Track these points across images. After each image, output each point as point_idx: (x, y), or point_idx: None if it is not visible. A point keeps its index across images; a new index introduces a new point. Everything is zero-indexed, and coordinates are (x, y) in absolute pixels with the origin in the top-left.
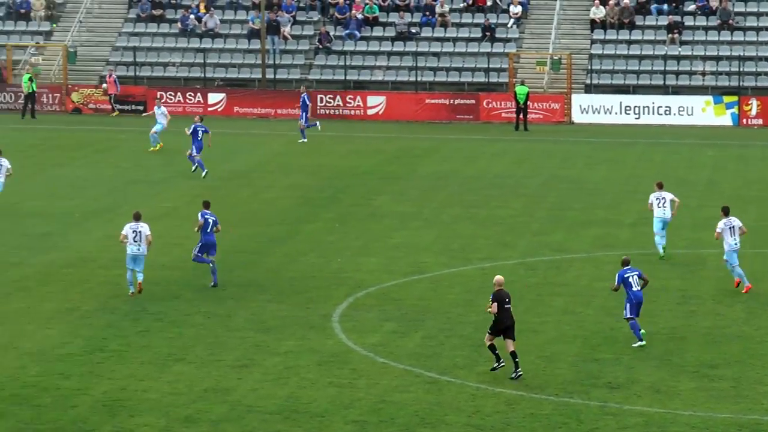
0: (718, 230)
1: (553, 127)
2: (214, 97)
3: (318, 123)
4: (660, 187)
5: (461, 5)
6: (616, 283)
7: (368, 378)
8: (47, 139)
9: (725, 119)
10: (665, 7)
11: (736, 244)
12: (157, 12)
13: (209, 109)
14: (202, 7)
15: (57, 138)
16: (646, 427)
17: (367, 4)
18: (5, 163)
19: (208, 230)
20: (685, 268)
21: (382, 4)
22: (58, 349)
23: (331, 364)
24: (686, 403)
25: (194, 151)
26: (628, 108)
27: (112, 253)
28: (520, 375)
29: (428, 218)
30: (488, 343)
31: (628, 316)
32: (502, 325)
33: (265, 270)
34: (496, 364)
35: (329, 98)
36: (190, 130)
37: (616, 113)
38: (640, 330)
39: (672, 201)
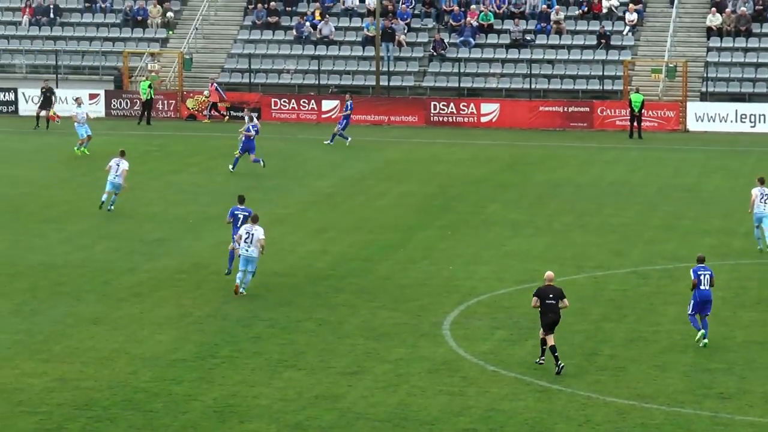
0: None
1: (667, 135)
2: (327, 104)
3: (350, 138)
4: (762, 182)
5: (577, 13)
6: (693, 278)
7: (479, 386)
8: (162, 145)
9: None
10: None
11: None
12: (272, 19)
13: (323, 116)
14: (317, 14)
15: (172, 144)
16: None
17: (482, 11)
18: (124, 164)
19: (238, 225)
20: None
21: (497, 11)
22: (170, 354)
23: (441, 372)
24: None
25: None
26: (743, 116)
27: (226, 259)
28: (562, 367)
29: (540, 226)
30: (541, 337)
31: (691, 312)
32: (545, 320)
33: (376, 277)
34: (539, 359)
35: (443, 105)
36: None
37: (731, 121)
38: (699, 327)
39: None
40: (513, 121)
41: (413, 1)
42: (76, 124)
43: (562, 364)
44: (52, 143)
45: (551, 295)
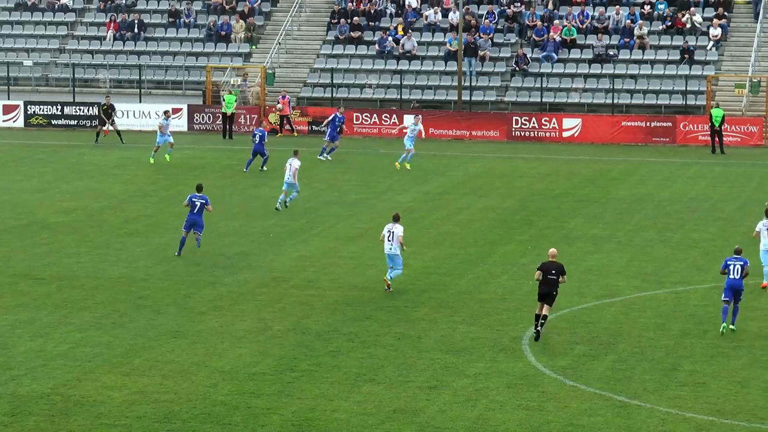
0: (756, 230)
1: (750, 150)
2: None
3: (329, 156)
4: None
5: (660, 28)
6: (722, 267)
7: (557, 401)
8: (245, 160)
9: None
10: None
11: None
12: (355, 34)
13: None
14: (400, 29)
15: (254, 160)
16: None
17: (565, 26)
18: (295, 164)
19: (195, 211)
20: None
21: (580, 26)
22: (249, 368)
23: (520, 387)
24: None
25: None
26: None
27: (307, 273)
28: (537, 334)
29: (622, 241)
30: (536, 312)
31: (724, 298)
32: (542, 291)
33: (456, 291)
34: (536, 333)
35: (525, 120)
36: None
37: None
38: (726, 316)
39: None
40: (595, 136)
41: (496, 16)
42: (158, 133)
43: (539, 330)
44: (134, 157)
45: (553, 271)
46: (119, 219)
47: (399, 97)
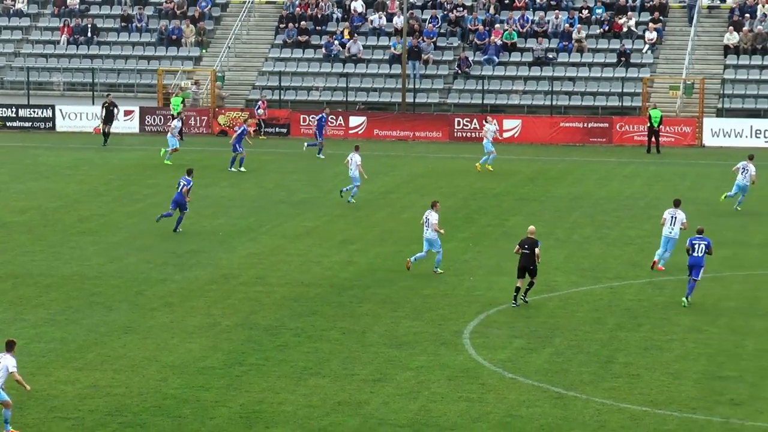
0: (663, 217)
1: (684, 150)
2: (355, 120)
3: (307, 145)
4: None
5: (598, 31)
6: (687, 245)
7: (497, 393)
8: (195, 160)
9: None
10: None
11: (671, 233)
12: (302, 38)
13: (350, 131)
14: (346, 33)
15: (204, 159)
16: None
17: (506, 30)
18: (356, 158)
19: (178, 189)
20: None
21: (520, 30)
22: (199, 362)
23: (461, 379)
24: None
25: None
26: (758, 132)
27: (255, 270)
28: (517, 305)
29: (560, 238)
30: (516, 285)
31: (690, 275)
32: (520, 265)
33: (400, 287)
34: (514, 300)
35: (467, 121)
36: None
37: (746, 137)
38: (690, 293)
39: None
40: (534, 137)
41: (439, 21)
42: (169, 135)
43: (521, 303)
44: (87, 158)
45: (527, 246)
46: (73, 218)
47: (345, 99)
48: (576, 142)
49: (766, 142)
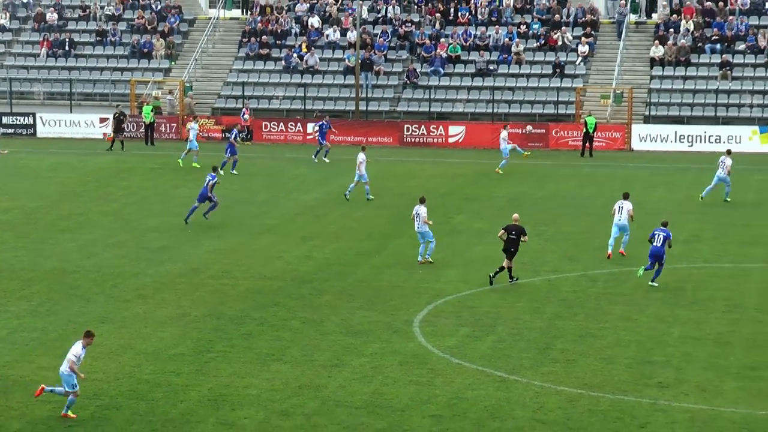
0: (614, 207)
1: (614, 154)
2: (312, 127)
3: (326, 158)
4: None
5: (535, 45)
6: (649, 236)
7: (444, 377)
8: (165, 163)
9: None
10: (718, 46)
11: (620, 220)
12: (263, 51)
13: (308, 137)
14: (304, 47)
15: (174, 163)
16: (692, 422)
17: (450, 44)
18: (360, 156)
19: (205, 184)
20: (731, 281)
21: (464, 44)
22: (170, 349)
23: (411, 365)
24: (729, 401)
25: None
26: (682, 137)
27: (221, 265)
28: (516, 280)
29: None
30: (502, 264)
31: (649, 263)
32: (505, 248)
33: (355, 280)
34: (492, 274)
35: (415, 128)
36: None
37: (671, 141)
38: (646, 269)
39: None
40: (477, 142)
41: (389, 35)
42: (189, 135)
43: (516, 278)
44: (66, 161)
45: (514, 232)
46: (53, 217)
47: (303, 107)
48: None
49: (689, 146)
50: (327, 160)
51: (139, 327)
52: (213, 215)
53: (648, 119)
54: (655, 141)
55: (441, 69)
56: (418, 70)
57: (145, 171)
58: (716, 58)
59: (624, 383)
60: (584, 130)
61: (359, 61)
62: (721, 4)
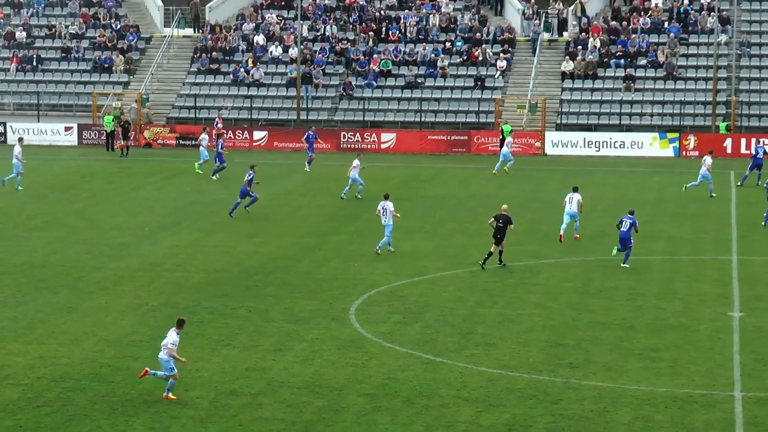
0: (565, 199)
1: (530, 158)
2: (258, 135)
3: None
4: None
5: (458, 60)
6: (618, 223)
7: (378, 359)
8: (125, 168)
9: (668, 152)
10: (622, 61)
11: (570, 209)
12: (213, 66)
13: (254, 144)
14: (250, 62)
15: (133, 167)
16: (600, 399)
17: (382, 59)
18: (355, 162)
19: (245, 181)
20: (634, 272)
21: (394, 59)
22: (129, 336)
23: (348, 349)
24: (633, 379)
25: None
26: (590, 142)
27: (176, 260)
28: (504, 265)
29: (429, 231)
30: (490, 250)
31: (618, 248)
32: (494, 233)
33: (297, 273)
34: (482, 261)
35: (351, 135)
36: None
37: (581, 147)
38: (618, 250)
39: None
40: (407, 148)
41: (327, 51)
42: (201, 147)
43: (505, 263)
44: (33, 167)
45: (501, 221)
46: (21, 217)
47: (250, 117)
48: (441, 151)
49: (596, 151)
50: (308, 170)
51: (101, 316)
52: (233, 210)
53: (560, 127)
54: (566, 146)
55: (374, 82)
56: (353, 83)
57: (107, 174)
58: (620, 72)
59: (539, 364)
60: (501, 137)
61: (300, 74)
62: (624, 23)
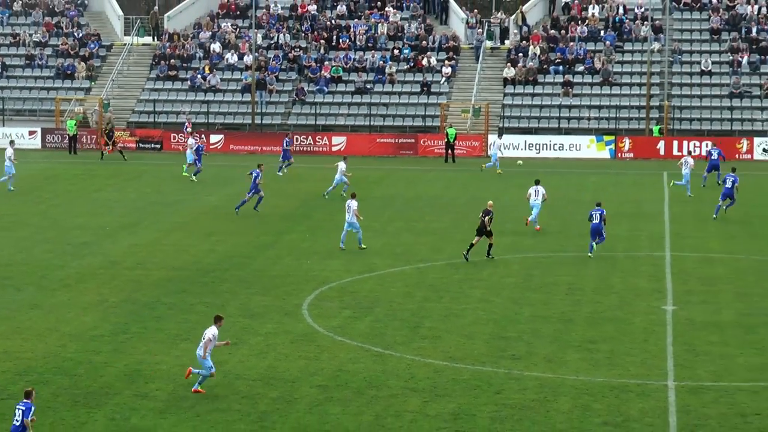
0: (528, 192)
1: (474, 160)
2: (214, 138)
3: (285, 170)
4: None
5: (405, 67)
6: (588, 216)
7: (329, 353)
8: (87, 170)
9: (605, 154)
10: (560, 68)
11: (536, 201)
12: (172, 73)
13: (211, 146)
14: (207, 68)
15: (95, 170)
16: (541, 388)
17: (333, 66)
18: (342, 165)
19: (254, 180)
20: (572, 267)
21: (345, 66)
22: (91, 331)
23: (301, 342)
24: (572, 370)
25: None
26: (531, 145)
27: (136, 258)
28: (492, 257)
29: (378, 229)
30: (471, 242)
31: (592, 240)
32: (479, 227)
33: (252, 270)
34: (466, 253)
35: (303, 138)
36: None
37: (522, 149)
38: (592, 247)
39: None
40: (357, 150)
41: (281, 59)
42: (188, 151)
43: (493, 256)
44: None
45: (483, 215)
46: None
47: (207, 121)
48: (389, 154)
49: (536, 153)
50: (280, 174)
51: (64, 312)
52: (238, 207)
53: (502, 130)
54: (508, 149)
55: (325, 88)
56: (305, 89)
57: (70, 177)
58: (559, 78)
59: (482, 356)
60: (446, 140)
61: (255, 81)
62: (563, 32)
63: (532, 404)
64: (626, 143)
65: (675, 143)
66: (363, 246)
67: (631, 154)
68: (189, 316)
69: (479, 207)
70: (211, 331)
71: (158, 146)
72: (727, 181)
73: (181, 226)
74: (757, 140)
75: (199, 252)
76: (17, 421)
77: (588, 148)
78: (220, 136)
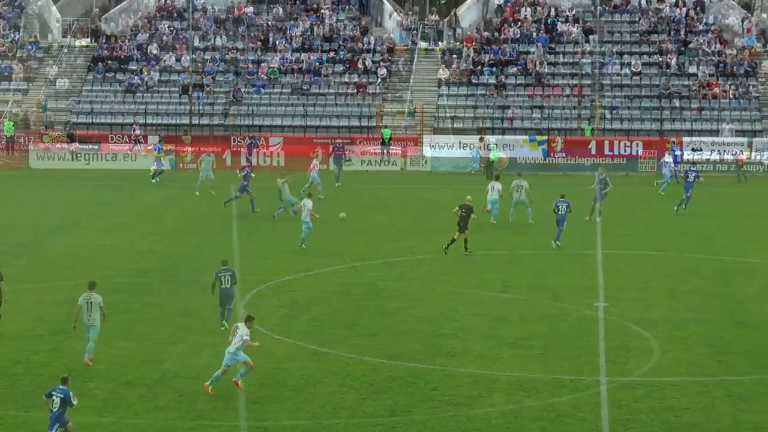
0: (512, 185)
1: (401, 159)
2: (152, 139)
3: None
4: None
5: (341, 69)
6: (553, 206)
7: (267, 350)
8: (24, 171)
9: (537, 153)
10: (494, 69)
11: (519, 196)
12: (110, 74)
13: (148, 147)
14: (144, 70)
15: (32, 170)
16: (476, 384)
17: (270, 68)
18: (316, 163)
19: (242, 180)
20: (506, 265)
21: (281, 67)
22: (29, 331)
23: None
24: (506, 366)
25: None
26: (464, 144)
27: (74, 258)
28: (470, 252)
29: (313, 229)
30: (452, 237)
31: (558, 227)
32: (458, 223)
33: (190, 270)
34: (446, 247)
35: (240, 139)
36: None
37: (455, 148)
38: (557, 239)
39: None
40: (293, 151)
41: (218, 60)
42: (154, 159)
43: (471, 251)
44: None
45: (464, 210)
46: None
47: (145, 122)
48: (326, 153)
49: (469, 152)
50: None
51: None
52: (230, 205)
53: (437, 130)
54: (443, 148)
55: (262, 89)
56: (242, 90)
57: (6, 177)
58: (492, 79)
59: (418, 353)
60: (381, 140)
61: (192, 82)
62: (496, 33)
63: (467, 400)
64: (558, 143)
65: (606, 143)
66: (305, 245)
67: (564, 154)
68: (127, 315)
69: (416, 206)
70: (244, 330)
71: (96, 147)
72: (689, 175)
73: (120, 226)
74: (686, 140)
75: (137, 252)
76: (55, 407)
77: (521, 147)
78: (157, 137)
